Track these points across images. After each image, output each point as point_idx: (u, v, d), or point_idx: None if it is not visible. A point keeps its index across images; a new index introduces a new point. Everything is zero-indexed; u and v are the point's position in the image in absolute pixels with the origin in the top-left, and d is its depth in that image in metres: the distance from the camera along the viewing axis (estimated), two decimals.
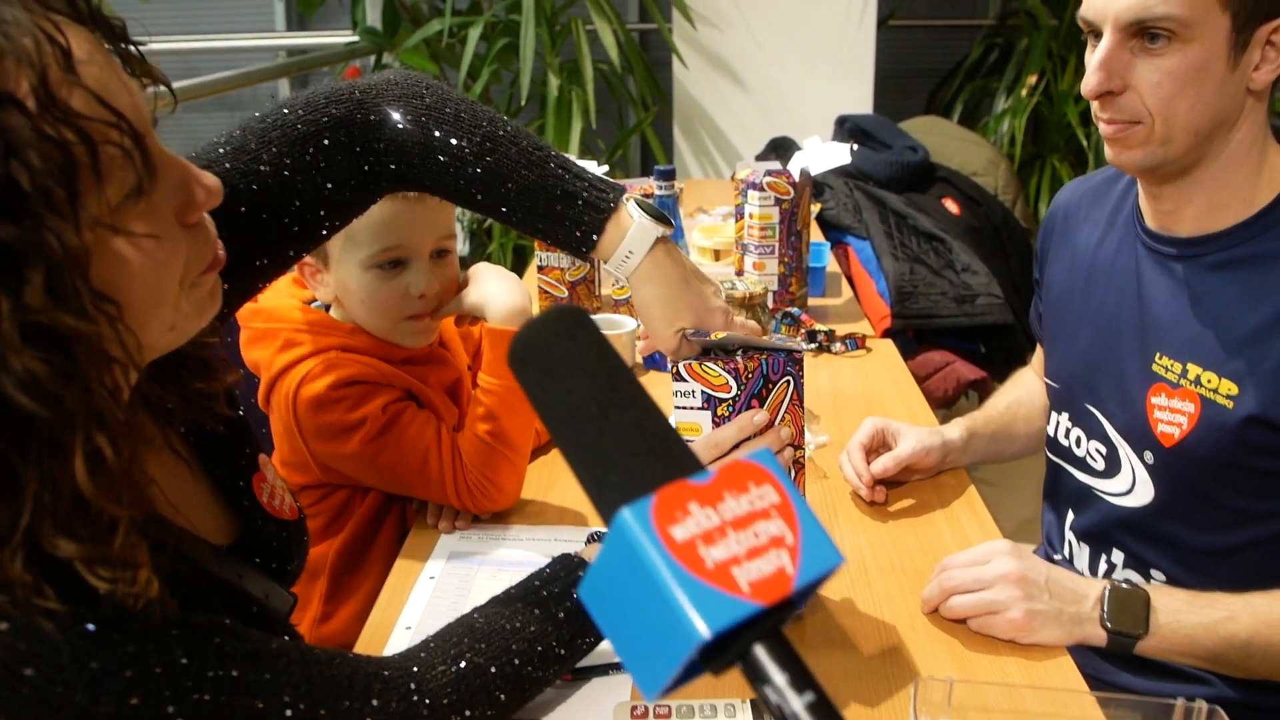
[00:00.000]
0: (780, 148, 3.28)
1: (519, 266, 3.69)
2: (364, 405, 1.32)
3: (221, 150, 0.96)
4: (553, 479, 1.48)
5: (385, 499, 1.44)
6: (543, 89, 3.63)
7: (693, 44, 3.84)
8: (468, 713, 0.91)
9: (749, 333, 1.07)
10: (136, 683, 0.71)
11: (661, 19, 3.75)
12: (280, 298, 1.40)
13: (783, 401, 1.05)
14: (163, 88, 0.79)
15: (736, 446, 1.02)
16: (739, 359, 1.02)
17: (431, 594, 1.24)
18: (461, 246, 4.43)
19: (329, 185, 1.00)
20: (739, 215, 2.02)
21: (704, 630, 0.43)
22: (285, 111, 0.99)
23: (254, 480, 0.99)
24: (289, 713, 0.80)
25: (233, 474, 0.97)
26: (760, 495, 0.47)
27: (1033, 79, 3.94)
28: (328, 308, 1.42)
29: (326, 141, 0.99)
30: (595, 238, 1.02)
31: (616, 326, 1.85)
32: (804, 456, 1.10)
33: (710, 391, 1.03)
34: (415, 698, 0.89)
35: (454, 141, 1.01)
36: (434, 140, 1.01)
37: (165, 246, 0.73)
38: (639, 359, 1.86)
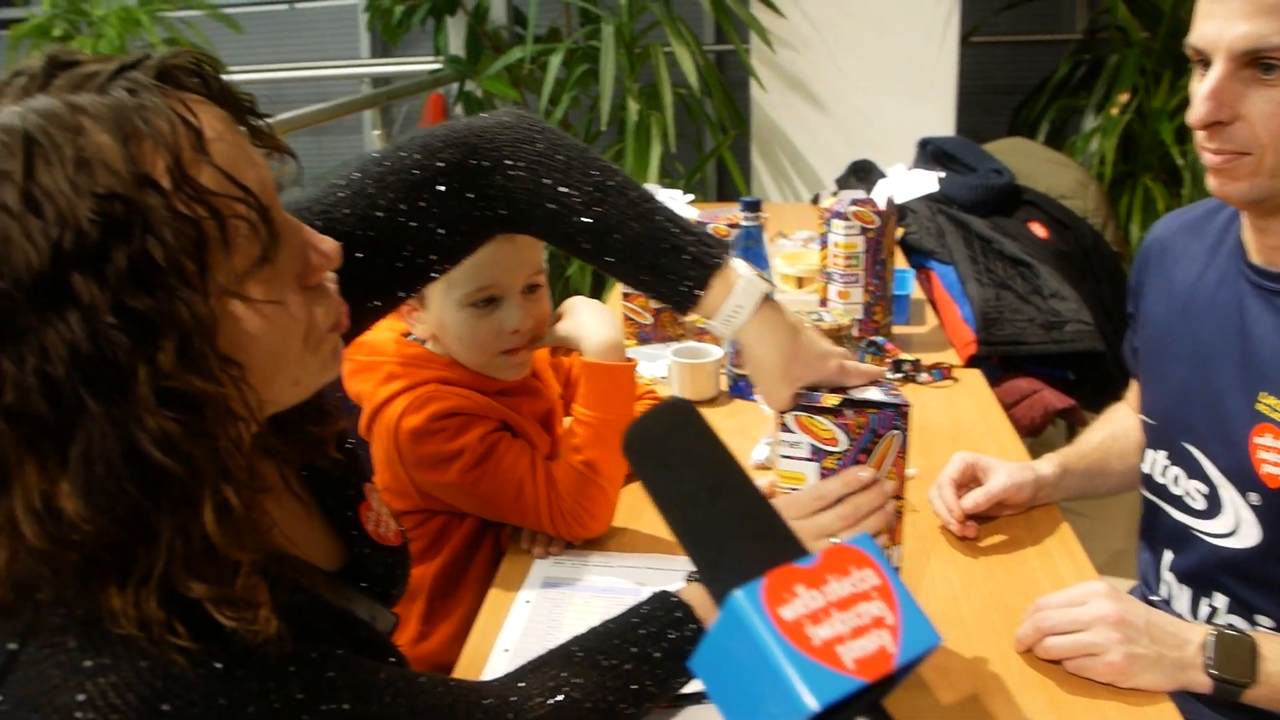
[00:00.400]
0: (861, 171, 3.26)
1: (598, 289, 3.72)
2: (462, 436, 1.36)
3: (341, 194, 1.00)
4: (643, 507, 1.50)
5: (481, 524, 1.48)
6: (622, 114, 3.66)
7: (771, 66, 3.84)
8: None
9: (867, 376, 1.07)
10: (259, 717, 0.75)
11: (739, 41, 3.76)
12: (380, 331, 1.45)
13: (888, 455, 1.05)
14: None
15: (840, 500, 1.03)
16: (849, 414, 1.02)
17: (528, 617, 1.28)
18: None
19: (441, 230, 1.02)
20: (823, 244, 2.01)
21: (812, 704, 0.46)
22: (402, 155, 1.02)
23: (361, 509, 1.02)
24: None
25: (342, 504, 1.01)
26: (861, 578, 0.51)
27: (1124, 96, 3.83)
28: (423, 341, 1.45)
29: (441, 187, 1.01)
30: (699, 293, 1.02)
31: (701, 355, 1.86)
32: (903, 506, 1.09)
33: (818, 444, 1.03)
34: None
35: (564, 190, 1.01)
36: (544, 188, 1.02)
37: (287, 309, 0.78)
38: (724, 387, 1.87)
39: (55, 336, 0.65)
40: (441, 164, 1.01)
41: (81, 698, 0.70)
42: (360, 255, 0.98)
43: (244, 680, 0.74)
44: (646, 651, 0.98)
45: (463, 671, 1.19)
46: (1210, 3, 1.12)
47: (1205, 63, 1.13)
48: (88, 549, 0.69)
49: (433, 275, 1.07)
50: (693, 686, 1.06)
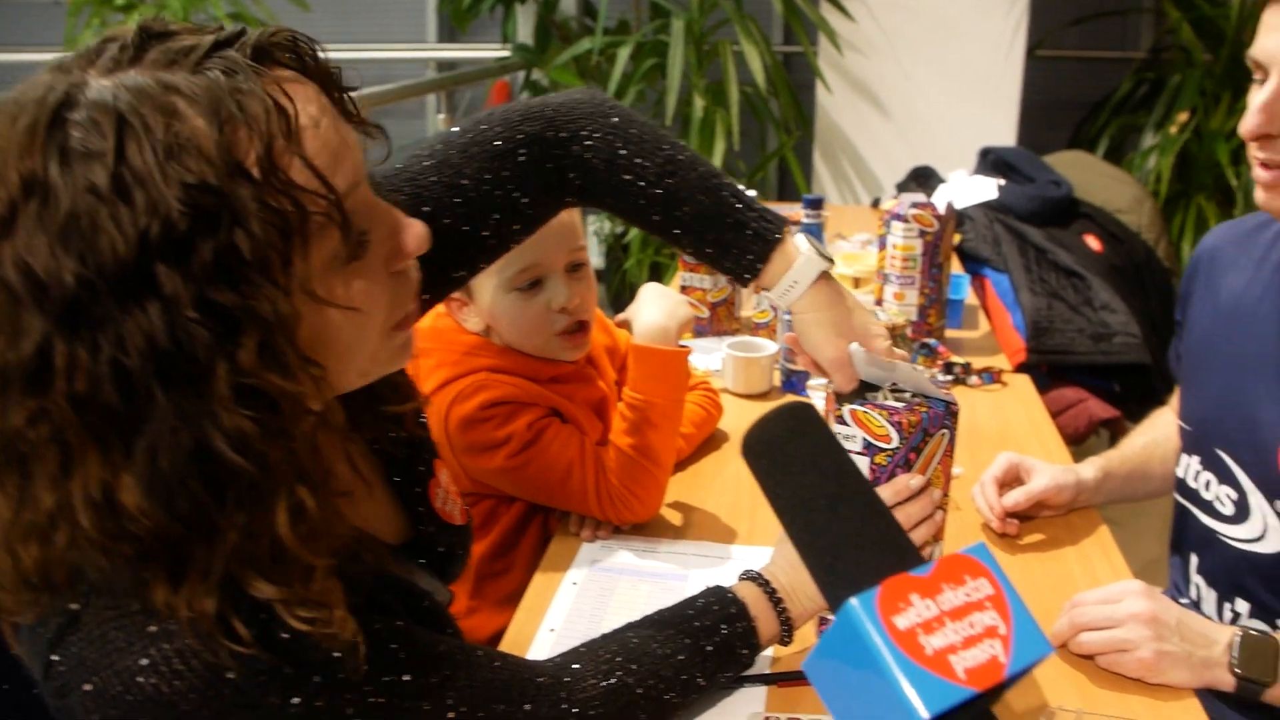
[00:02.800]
0: (922, 176, 3.29)
1: (655, 281, 3.76)
2: (510, 423, 1.39)
3: (426, 163, 1.02)
4: (692, 492, 1.54)
5: (529, 507, 1.51)
6: (687, 109, 3.70)
7: (838, 69, 3.86)
8: None
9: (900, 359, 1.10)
10: (323, 687, 0.76)
11: (807, 42, 3.79)
12: (439, 319, 1.48)
13: (937, 453, 1.07)
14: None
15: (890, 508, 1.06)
16: (903, 412, 1.04)
17: (574, 599, 1.30)
18: (599, 260, 4.52)
19: (524, 199, 1.05)
20: (881, 245, 2.06)
21: (924, 712, 0.48)
22: (484, 128, 1.04)
23: (430, 486, 1.04)
24: (451, 714, 0.85)
25: (411, 481, 1.02)
26: (976, 587, 0.52)
27: (1183, 116, 3.86)
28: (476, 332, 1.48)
29: (522, 156, 1.03)
30: (760, 266, 1.06)
31: (756, 350, 1.90)
32: (947, 504, 1.12)
33: (871, 440, 1.05)
34: (564, 706, 0.93)
35: (638, 160, 1.04)
36: (619, 157, 1.04)
37: (370, 296, 0.76)
38: (776, 382, 1.92)
39: (134, 327, 0.63)
40: (522, 135, 1.03)
41: (145, 662, 0.69)
42: (447, 221, 1.01)
43: (310, 650, 0.74)
44: (699, 644, 1.01)
45: (508, 649, 1.21)
46: (1274, 15, 1.15)
47: (1264, 75, 1.16)
48: (144, 543, 0.67)
49: (511, 245, 1.09)
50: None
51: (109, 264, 0.62)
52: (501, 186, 1.03)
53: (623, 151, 1.04)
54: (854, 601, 0.49)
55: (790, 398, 1.87)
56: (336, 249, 0.72)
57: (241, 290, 0.65)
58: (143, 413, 0.65)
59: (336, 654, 0.76)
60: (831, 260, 1.08)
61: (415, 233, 0.80)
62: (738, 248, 1.06)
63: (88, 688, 0.70)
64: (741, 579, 1.10)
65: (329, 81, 0.77)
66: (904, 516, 1.05)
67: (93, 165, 0.63)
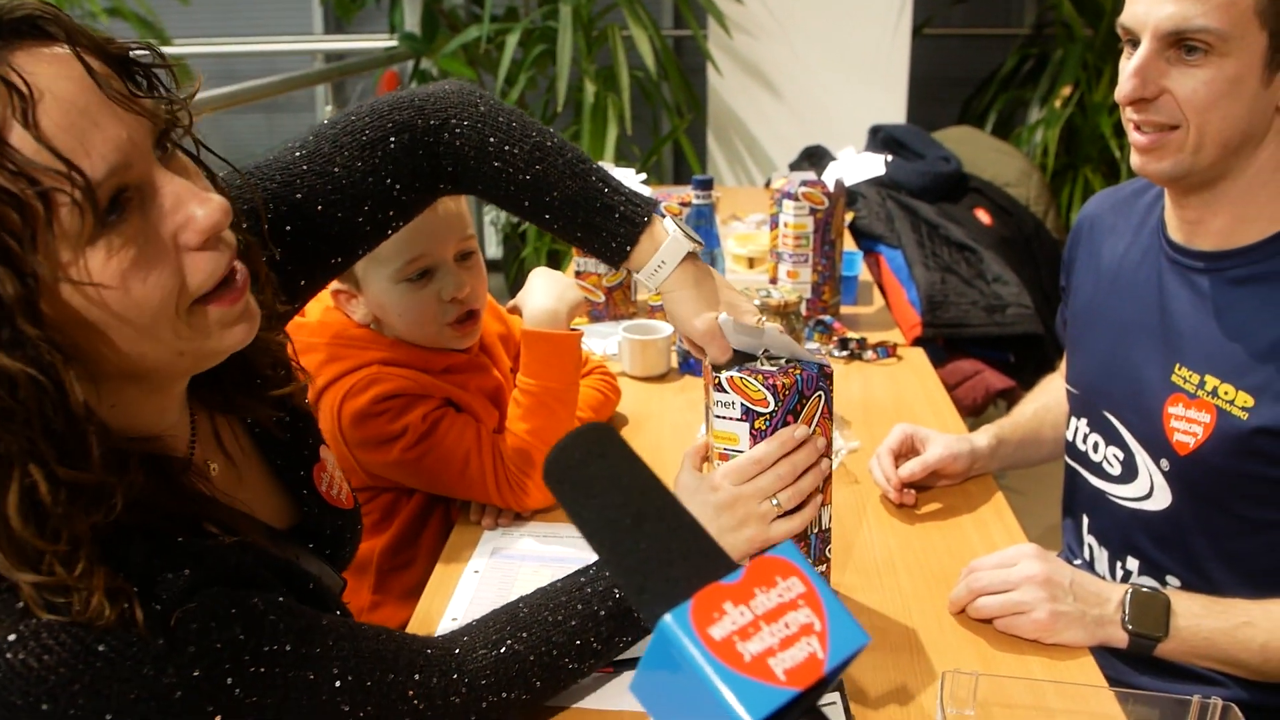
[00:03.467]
0: (814, 156, 3.31)
1: (554, 269, 3.74)
2: (404, 416, 1.37)
3: (298, 154, 1.03)
4: None
5: (430, 499, 1.49)
6: (579, 95, 3.68)
7: (728, 52, 3.88)
8: (503, 695, 0.96)
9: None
10: (199, 657, 0.75)
11: (697, 26, 3.79)
12: (328, 312, 1.45)
13: (814, 415, 1.08)
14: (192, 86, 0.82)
15: (777, 462, 1.06)
16: (778, 375, 1.06)
17: (476, 587, 1.29)
18: (496, 250, 4.48)
19: (396, 186, 1.06)
20: (774, 224, 2.06)
21: None
22: (353, 119, 1.06)
23: (314, 470, 1.04)
24: (338, 683, 0.85)
25: (293, 464, 1.02)
26: (788, 587, 0.51)
27: (1067, 90, 3.96)
28: (367, 325, 1.46)
29: (392, 144, 1.05)
30: (629, 249, 1.09)
31: (652, 332, 1.89)
32: (831, 467, 1.13)
33: (749, 405, 1.06)
34: (455, 676, 0.94)
35: (506, 148, 1.06)
36: (488, 145, 1.06)
37: (146, 273, 0.74)
38: (674, 364, 1.91)
39: None
40: (391, 125, 1.05)
41: (13, 637, 0.69)
42: (319, 208, 1.01)
43: (183, 621, 0.75)
44: (592, 609, 1.01)
45: None
46: None
47: (1135, 42, 1.19)
48: None
49: (389, 231, 1.10)
50: (638, 653, 1.08)
51: None
52: (374, 173, 1.05)
53: (492, 139, 1.07)
54: (667, 618, 0.49)
55: (689, 379, 1.87)
56: (86, 226, 0.69)
57: None
58: None
59: (212, 624, 0.76)
60: (699, 243, 1.10)
61: (198, 212, 0.76)
62: (606, 230, 1.09)
63: None
64: None
65: (107, 57, 0.75)
66: (790, 467, 1.06)
67: None
